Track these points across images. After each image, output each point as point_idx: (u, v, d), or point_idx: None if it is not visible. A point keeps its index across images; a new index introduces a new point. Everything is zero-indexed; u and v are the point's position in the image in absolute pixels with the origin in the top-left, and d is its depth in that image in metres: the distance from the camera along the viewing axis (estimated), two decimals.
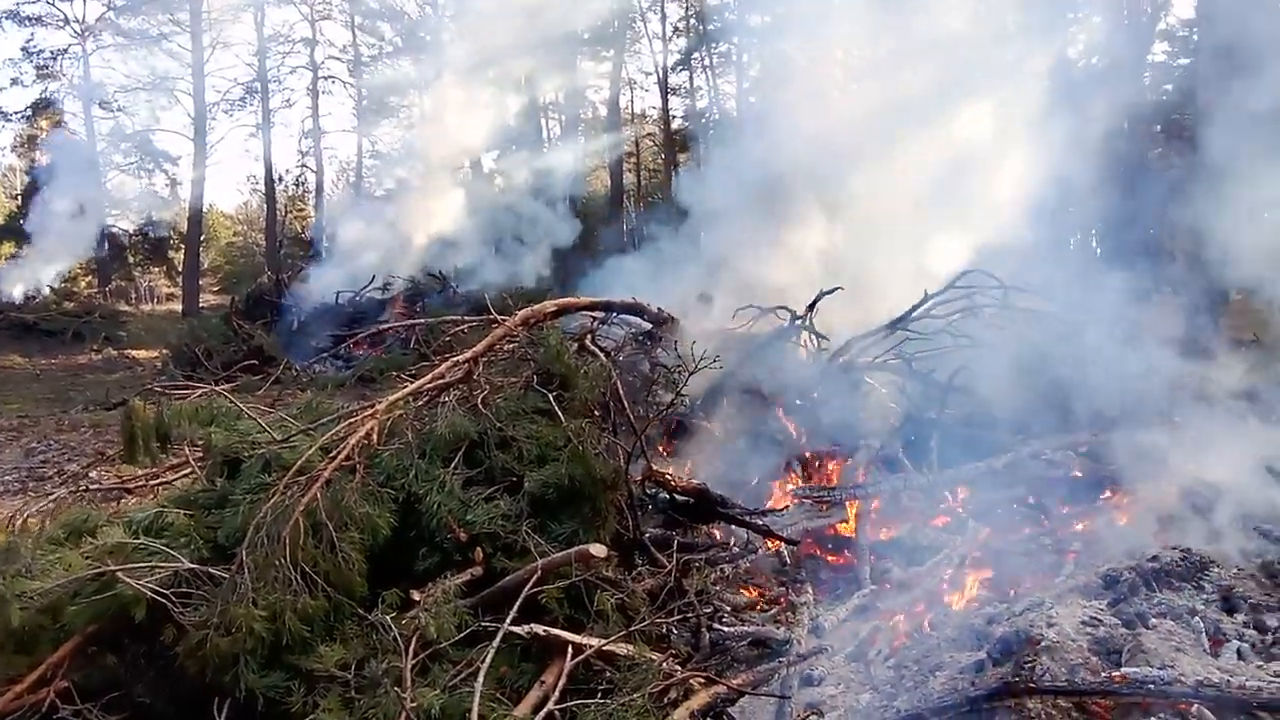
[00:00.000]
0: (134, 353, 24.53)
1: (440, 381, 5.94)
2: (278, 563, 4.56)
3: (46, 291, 28.83)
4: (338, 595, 4.76)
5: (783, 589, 6.60)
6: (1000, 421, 8.18)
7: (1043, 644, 4.67)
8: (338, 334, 20.98)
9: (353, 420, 5.45)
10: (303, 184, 39.27)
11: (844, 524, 7.42)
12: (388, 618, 4.59)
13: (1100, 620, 4.96)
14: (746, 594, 6.47)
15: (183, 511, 5.24)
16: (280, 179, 38.63)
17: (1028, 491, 7.56)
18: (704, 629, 5.07)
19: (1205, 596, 5.29)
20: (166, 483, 6.48)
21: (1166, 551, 5.66)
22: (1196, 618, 5.02)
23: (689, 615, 5.03)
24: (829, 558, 7.23)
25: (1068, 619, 4.95)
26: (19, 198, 37.18)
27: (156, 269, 41.16)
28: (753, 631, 5.66)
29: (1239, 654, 4.81)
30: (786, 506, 6.78)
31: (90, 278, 34.14)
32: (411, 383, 5.91)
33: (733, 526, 6.57)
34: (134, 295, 39.30)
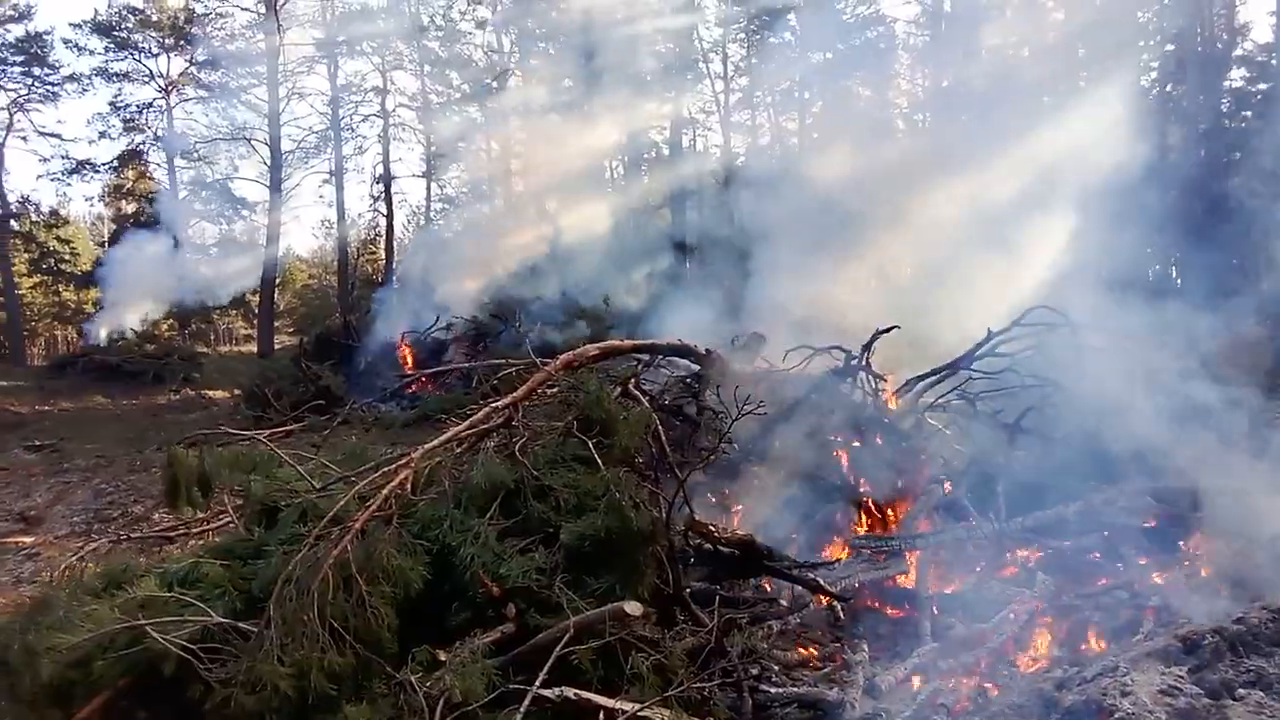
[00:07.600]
0: (211, 393, 25.05)
1: (479, 428, 5.83)
2: (305, 618, 4.45)
3: (129, 334, 29.84)
4: (366, 652, 4.62)
5: (837, 645, 6.26)
6: (1072, 466, 7.72)
7: (1117, 715, 4.31)
8: (401, 374, 21.30)
9: (387, 469, 5.36)
10: (374, 228, 40.19)
11: (904, 575, 7.05)
12: (414, 678, 4.44)
13: (1180, 689, 4.55)
14: (799, 651, 6.15)
15: (219, 562, 5.19)
16: (352, 223, 39.66)
17: (1102, 541, 7.09)
18: (747, 692, 4.79)
19: None
20: (208, 530, 6.48)
21: (1254, 612, 5.19)
22: None
23: (731, 677, 4.76)
24: (888, 611, 6.86)
25: (1144, 687, 4.56)
26: (105, 245, 38.78)
27: (234, 311, 42.46)
28: (802, 693, 5.35)
29: None
30: (838, 559, 6.43)
31: (171, 320, 35.29)
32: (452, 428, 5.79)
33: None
34: (213, 337, 40.59)
